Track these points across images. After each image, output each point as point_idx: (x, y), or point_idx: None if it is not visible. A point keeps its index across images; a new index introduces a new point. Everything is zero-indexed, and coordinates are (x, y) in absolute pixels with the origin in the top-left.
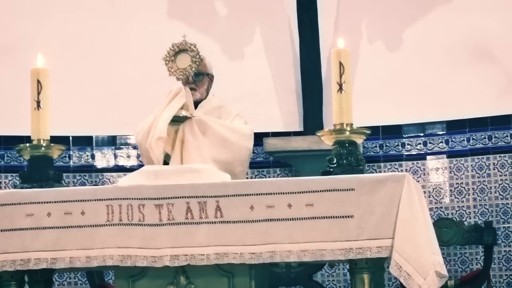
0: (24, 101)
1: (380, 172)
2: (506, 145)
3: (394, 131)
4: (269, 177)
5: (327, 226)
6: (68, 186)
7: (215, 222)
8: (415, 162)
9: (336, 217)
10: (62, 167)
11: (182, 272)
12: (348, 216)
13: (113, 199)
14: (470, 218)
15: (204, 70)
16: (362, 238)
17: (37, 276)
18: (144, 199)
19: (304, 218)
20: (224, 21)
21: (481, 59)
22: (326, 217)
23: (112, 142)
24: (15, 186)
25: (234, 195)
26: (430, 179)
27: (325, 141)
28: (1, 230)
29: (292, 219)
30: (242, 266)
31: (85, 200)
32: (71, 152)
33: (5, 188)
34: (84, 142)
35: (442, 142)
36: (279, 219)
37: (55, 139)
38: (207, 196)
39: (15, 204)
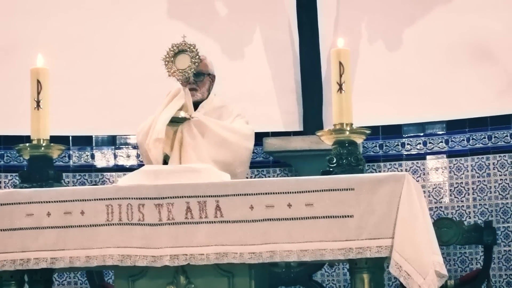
0: (24, 101)
1: (380, 172)
2: (506, 145)
3: (394, 131)
4: (269, 177)
5: (327, 226)
6: (68, 186)
7: (215, 222)
8: (415, 162)
9: (335, 217)
10: (62, 167)
11: (182, 272)
12: (348, 216)
13: (113, 198)
14: (470, 218)
15: (205, 70)
16: (362, 238)
17: (37, 275)
18: (144, 198)
19: (304, 218)
20: (224, 21)
21: (481, 59)
22: (326, 217)
23: (112, 142)
24: (15, 186)
25: (234, 195)
26: (430, 179)
27: (325, 141)
28: (1, 230)
29: (292, 219)
30: (242, 266)
31: (85, 200)
32: (71, 152)
33: (5, 188)
34: (84, 142)
35: (442, 142)
36: (279, 219)
37: (55, 139)
38: (207, 196)
39: (14, 203)
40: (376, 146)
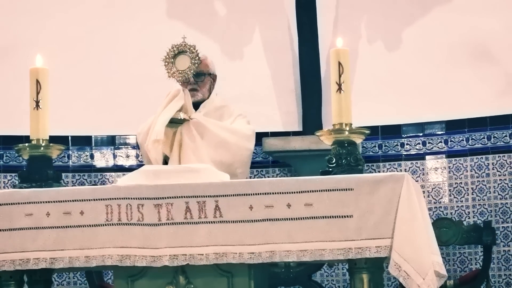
0: (24, 101)
1: (379, 172)
2: (505, 145)
3: (393, 131)
4: (268, 177)
5: (326, 226)
6: (67, 186)
7: (214, 222)
8: (414, 162)
9: (335, 217)
10: (61, 167)
11: (181, 272)
12: (347, 216)
13: (112, 199)
14: (469, 218)
15: (205, 70)
16: (361, 238)
17: (36, 276)
18: (143, 198)
19: (303, 218)
20: (223, 21)
21: (481, 59)
22: (325, 217)
23: (111, 142)
24: (14, 186)
25: (233, 195)
26: (429, 179)
27: (324, 141)
28: (0, 230)
29: (291, 219)
30: (241, 266)
31: (84, 200)
32: (70, 152)
33: (4, 188)
34: (83, 142)
35: (441, 142)
36: (278, 219)
37: (54, 139)
38: (206, 196)
39: (14, 204)
40: (375, 146)
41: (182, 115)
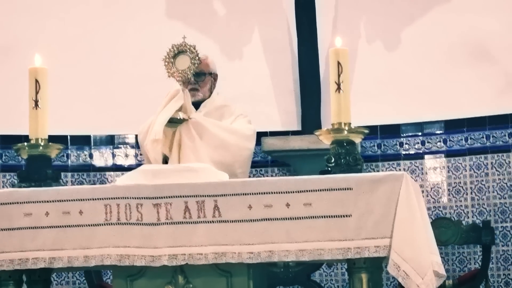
0: (23, 101)
1: (378, 171)
2: (504, 145)
3: (392, 131)
4: (267, 176)
5: (325, 225)
6: (66, 186)
7: (213, 222)
8: (413, 161)
9: (334, 216)
10: (60, 167)
11: (180, 272)
12: (346, 216)
13: (111, 198)
14: (468, 218)
15: (206, 69)
16: (360, 238)
17: (35, 275)
18: (142, 198)
19: (302, 218)
20: (222, 21)
21: (480, 59)
22: (324, 217)
23: (110, 141)
24: (13, 186)
25: (232, 195)
26: (428, 179)
27: (323, 140)
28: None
29: (290, 218)
30: (240, 265)
31: (83, 200)
32: (69, 152)
33: (3, 187)
34: (82, 141)
35: (440, 141)
36: (277, 219)
37: (53, 139)
38: (205, 196)
39: (13, 203)
40: (374, 145)
41: (181, 115)
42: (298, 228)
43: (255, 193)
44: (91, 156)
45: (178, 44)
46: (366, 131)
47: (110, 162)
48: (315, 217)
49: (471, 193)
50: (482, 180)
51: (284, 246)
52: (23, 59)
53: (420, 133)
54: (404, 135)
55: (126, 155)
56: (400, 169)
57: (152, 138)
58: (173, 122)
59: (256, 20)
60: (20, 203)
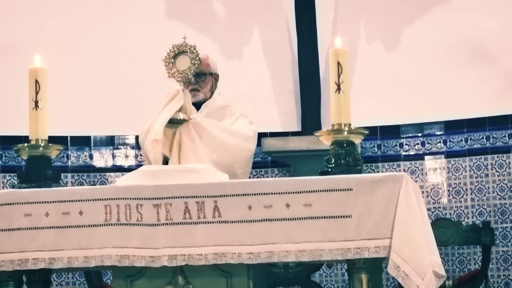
0: (23, 101)
1: (378, 172)
2: (504, 145)
3: (392, 131)
4: (267, 177)
5: (325, 226)
6: (66, 186)
7: (213, 222)
8: (413, 162)
9: (334, 217)
10: (60, 167)
11: (180, 272)
12: (346, 216)
13: (111, 199)
14: (468, 218)
15: (206, 69)
16: (360, 238)
17: (35, 276)
18: (142, 199)
19: (302, 218)
20: (222, 21)
21: (480, 59)
22: (324, 217)
23: (110, 142)
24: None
25: (232, 195)
26: (428, 179)
27: (323, 141)
28: None
29: (290, 219)
30: (240, 266)
31: (83, 200)
32: (69, 152)
33: (3, 188)
34: (82, 142)
35: (440, 142)
36: (277, 219)
37: (53, 139)
38: (205, 196)
39: (13, 204)
40: (374, 146)
41: (181, 116)
42: (298, 229)
43: (255, 194)
44: (91, 156)
45: (179, 44)
46: (366, 132)
47: (110, 163)
48: (315, 217)
49: (471, 193)
50: (482, 181)
51: (284, 247)
52: (23, 59)
53: (420, 134)
54: (404, 136)
55: (126, 156)
56: (400, 170)
57: (152, 138)
58: (173, 122)
59: (256, 20)
60: (20, 203)
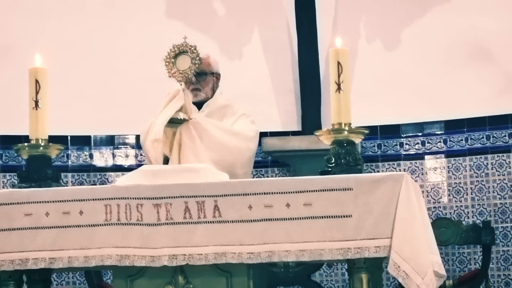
0: (23, 101)
1: (378, 171)
2: (504, 145)
3: (392, 131)
4: (267, 176)
5: (325, 225)
6: (66, 186)
7: (213, 222)
8: (413, 161)
9: (334, 216)
10: (60, 167)
11: (180, 272)
12: (346, 216)
13: (111, 198)
14: (468, 218)
15: (207, 69)
16: (360, 238)
17: (36, 275)
18: (142, 198)
19: (302, 218)
20: (222, 21)
21: (480, 58)
22: (324, 217)
23: (110, 141)
24: (13, 186)
25: (232, 195)
26: (428, 179)
27: (324, 140)
28: (0, 230)
29: (290, 218)
30: (240, 265)
31: (83, 200)
32: (69, 152)
33: (3, 187)
34: (82, 141)
35: (440, 141)
36: (277, 219)
37: (53, 139)
38: (205, 196)
39: (13, 203)
40: (374, 146)
41: (181, 115)
42: (298, 228)
43: (255, 193)
44: (91, 156)
45: (179, 44)
46: (366, 131)
47: (110, 163)
48: (315, 217)
49: (471, 193)
50: (482, 180)
51: (284, 246)
52: (23, 59)
53: (420, 134)
54: (404, 135)
55: (126, 156)
56: (400, 170)
57: (152, 138)
58: (174, 122)
59: (256, 20)
60: (20, 203)
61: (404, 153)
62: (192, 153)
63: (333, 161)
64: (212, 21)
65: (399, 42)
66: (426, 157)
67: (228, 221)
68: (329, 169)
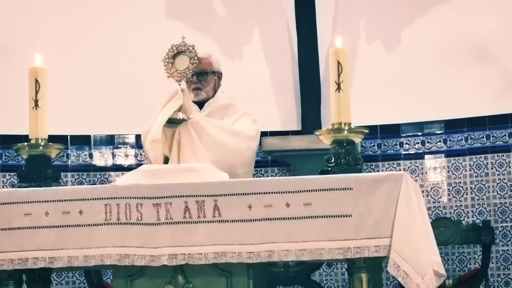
0: (23, 101)
1: (378, 171)
2: (504, 144)
3: (392, 131)
4: (267, 176)
5: (325, 225)
6: (66, 185)
7: (213, 222)
8: (413, 161)
9: (334, 216)
10: (60, 166)
11: (180, 271)
12: (346, 215)
13: (111, 198)
14: (468, 218)
15: (208, 68)
16: (360, 237)
17: (35, 275)
18: (142, 198)
19: (302, 217)
20: (222, 21)
21: (479, 58)
22: (324, 216)
23: (110, 141)
24: (13, 185)
25: (232, 194)
26: (428, 178)
27: (323, 140)
28: None
29: (290, 218)
30: (240, 265)
31: (83, 199)
32: (69, 151)
33: (3, 187)
34: (82, 141)
35: (440, 141)
36: (277, 218)
37: (53, 138)
38: (205, 195)
39: (13, 203)
40: (374, 145)
41: (180, 115)
42: (298, 228)
43: (255, 193)
44: (91, 156)
45: (177, 44)
46: (366, 131)
47: (110, 162)
48: (315, 217)
49: (471, 193)
50: (482, 180)
51: (284, 246)
52: (23, 59)
53: (420, 133)
54: (404, 135)
55: (126, 155)
56: (400, 169)
57: (150, 138)
58: (172, 122)
59: (256, 20)
60: (20, 203)
61: (404, 152)
62: (191, 153)
63: (333, 160)
64: (212, 21)
65: (399, 42)
66: (426, 156)
67: (228, 221)
68: (329, 169)
